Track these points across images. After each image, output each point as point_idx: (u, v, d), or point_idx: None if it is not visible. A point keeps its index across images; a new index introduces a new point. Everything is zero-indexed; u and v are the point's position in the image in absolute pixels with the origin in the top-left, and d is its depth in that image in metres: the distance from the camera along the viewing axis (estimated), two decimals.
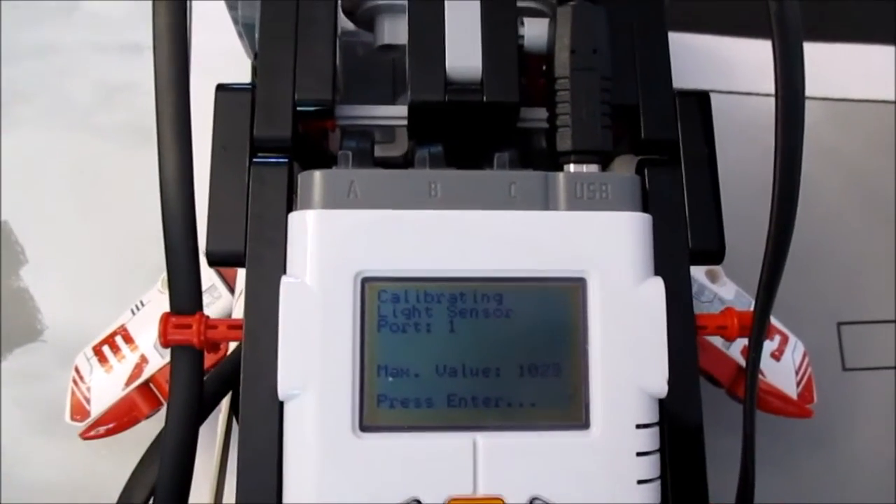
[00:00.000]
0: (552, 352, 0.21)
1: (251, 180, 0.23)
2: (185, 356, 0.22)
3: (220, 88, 0.23)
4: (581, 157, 0.22)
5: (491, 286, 0.21)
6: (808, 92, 0.42)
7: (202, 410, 0.23)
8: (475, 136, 0.24)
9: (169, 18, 0.21)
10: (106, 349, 0.31)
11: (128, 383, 0.31)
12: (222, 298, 0.32)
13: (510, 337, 0.21)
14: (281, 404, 0.21)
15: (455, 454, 0.20)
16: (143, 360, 0.31)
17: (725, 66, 0.41)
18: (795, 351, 0.33)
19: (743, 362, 0.32)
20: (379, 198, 0.21)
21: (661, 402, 0.21)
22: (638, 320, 0.21)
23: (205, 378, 0.23)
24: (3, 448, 0.35)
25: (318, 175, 0.21)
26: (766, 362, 0.33)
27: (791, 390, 0.32)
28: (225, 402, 0.29)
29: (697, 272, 0.33)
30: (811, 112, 0.42)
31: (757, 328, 0.22)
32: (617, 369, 0.21)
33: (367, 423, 0.20)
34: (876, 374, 0.39)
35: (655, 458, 0.21)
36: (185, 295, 0.22)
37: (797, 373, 0.33)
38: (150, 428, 0.26)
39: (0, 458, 0.35)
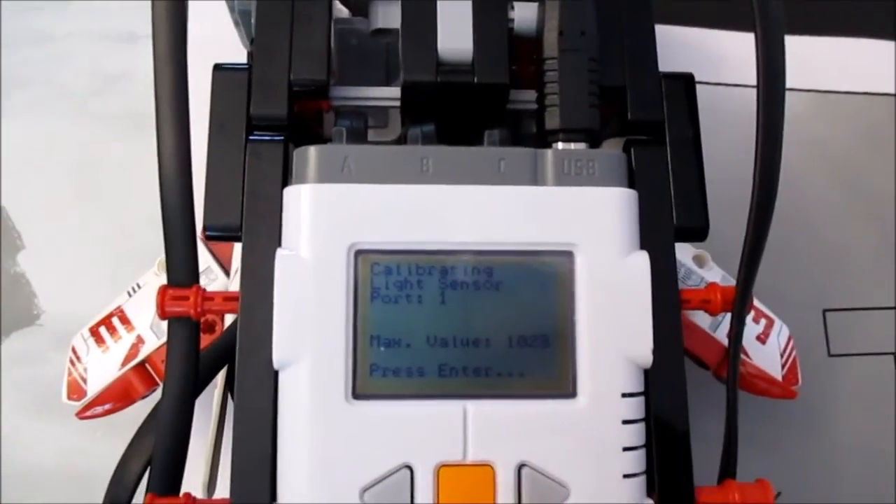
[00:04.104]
0: (540, 323, 0.21)
1: (247, 157, 0.23)
2: (182, 328, 0.22)
3: (218, 68, 0.24)
4: (569, 135, 0.23)
5: (481, 259, 0.22)
6: (795, 84, 0.43)
7: (198, 382, 0.23)
8: (466, 117, 0.25)
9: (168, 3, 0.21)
10: (102, 330, 0.32)
11: (124, 364, 0.31)
12: (218, 280, 0.32)
13: (500, 308, 0.21)
14: (275, 374, 0.21)
15: (445, 421, 0.21)
16: (140, 340, 0.31)
17: (713, 59, 0.42)
18: (780, 334, 0.34)
19: None
20: (372, 173, 0.22)
21: (646, 372, 0.22)
22: (624, 292, 0.22)
23: (201, 352, 0.23)
24: (1, 431, 0.35)
25: (312, 150, 0.22)
26: (751, 345, 0.33)
27: (776, 372, 0.33)
28: (220, 379, 0.29)
29: (685, 257, 0.34)
30: (798, 104, 0.43)
31: (739, 301, 0.23)
32: (603, 339, 0.21)
33: (359, 392, 0.21)
34: (860, 360, 0.40)
35: (640, 426, 0.22)
36: (182, 268, 0.22)
37: (782, 355, 0.33)
38: (146, 409, 0.26)
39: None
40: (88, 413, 0.32)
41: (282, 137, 0.23)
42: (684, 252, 0.34)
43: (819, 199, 0.42)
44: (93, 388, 0.31)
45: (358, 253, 0.21)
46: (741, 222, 0.24)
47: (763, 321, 0.34)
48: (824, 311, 0.40)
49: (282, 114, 0.23)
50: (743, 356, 0.33)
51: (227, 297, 0.22)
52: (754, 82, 0.22)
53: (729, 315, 0.24)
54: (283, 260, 0.21)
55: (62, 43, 0.41)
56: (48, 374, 0.36)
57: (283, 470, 0.21)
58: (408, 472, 0.21)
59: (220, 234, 0.23)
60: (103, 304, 0.33)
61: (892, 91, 0.44)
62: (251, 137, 0.23)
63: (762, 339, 0.33)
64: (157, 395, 0.32)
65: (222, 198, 0.23)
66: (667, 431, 0.22)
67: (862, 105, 0.43)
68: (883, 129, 0.43)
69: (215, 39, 0.35)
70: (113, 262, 0.38)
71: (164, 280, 0.22)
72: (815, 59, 0.43)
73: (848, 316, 0.40)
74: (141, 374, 0.32)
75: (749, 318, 0.34)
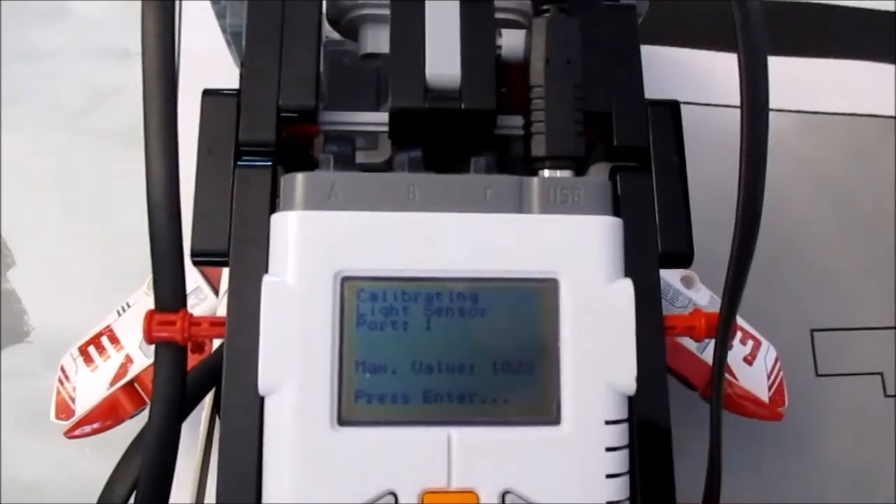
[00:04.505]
0: (525, 350, 0.22)
1: (235, 182, 0.23)
2: (169, 353, 0.22)
3: (207, 94, 0.24)
4: (555, 162, 0.23)
5: (466, 286, 0.22)
6: (784, 105, 0.43)
7: (185, 406, 0.23)
8: (454, 142, 0.25)
9: (157, 20, 0.21)
10: (91, 349, 0.32)
11: (113, 383, 0.31)
12: (208, 300, 0.32)
13: (484, 335, 0.22)
14: (261, 399, 0.21)
15: (430, 448, 0.21)
16: (129, 360, 0.31)
17: (701, 79, 0.42)
18: (768, 356, 0.34)
19: None
20: (359, 200, 0.22)
21: (630, 400, 0.22)
22: (608, 320, 0.22)
23: (189, 373, 0.23)
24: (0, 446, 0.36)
25: (300, 177, 0.22)
26: (738, 366, 0.33)
27: (763, 394, 0.33)
28: (208, 401, 0.30)
29: (673, 279, 0.34)
30: (787, 125, 0.43)
31: (723, 328, 0.23)
32: (587, 367, 0.21)
33: (344, 418, 0.21)
34: (848, 380, 0.40)
35: (624, 453, 0.22)
36: (170, 292, 0.22)
37: (769, 377, 0.33)
38: (134, 427, 0.26)
39: None
40: (77, 432, 0.32)
41: (270, 162, 0.24)
42: (672, 273, 0.34)
43: (807, 219, 0.42)
44: (81, 407, 0.31)
45: (344, 279, 0.21)
46: (730, 243, 0.25)
47: (750, 342, 0.34)
48: (812, 330, 0.40)
49: (270, 139, 0.24)
50: (730, 377, 0.33)
51: (214, 323, 0.22)
52: None
53: None
54: (269, 286, 0.21)
55: (55, 59, 0.41)
56: (39, 389, 0.36)
57: (268, 495, 0.21)
58: (392, 498, 0.21)
59: (208, 259, 0.23)
60: (93, 321, 0.33)
61: (880, 112, 0.44)
62: (239, 162, 0.23)
63: (749, 360, 0.33)
64: (145, 413, 0.32)
65: (210, 223, 0.23)
66: (650, 458, 0.23)
67: (850, 126, 0.44)
68: (872, 149, 0.44)
69: (210, 53, 0.35)
70: (103, 279, 0.38)
71: (153, 299, 0.22)
72: (802, 81, 0.44)
73: (835, 336, 0.40)
74: (130, 393, 0.32)
75: (736, 340, 0.34)
